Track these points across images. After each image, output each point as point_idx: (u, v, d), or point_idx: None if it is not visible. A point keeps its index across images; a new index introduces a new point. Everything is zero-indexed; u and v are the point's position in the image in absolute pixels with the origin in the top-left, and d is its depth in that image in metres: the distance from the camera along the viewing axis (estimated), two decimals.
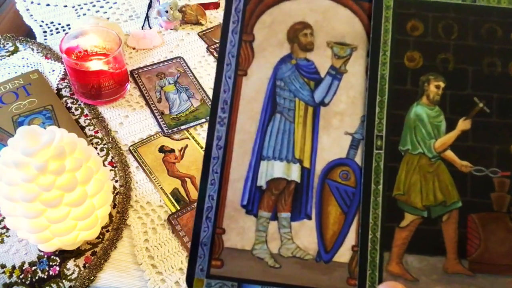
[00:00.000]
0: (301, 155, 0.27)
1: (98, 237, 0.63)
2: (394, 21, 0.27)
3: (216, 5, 1.02)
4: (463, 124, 0.28)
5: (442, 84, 0.28)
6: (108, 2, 1.02)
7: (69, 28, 0.95)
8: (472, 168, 0.28)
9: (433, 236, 0.27)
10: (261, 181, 0.27)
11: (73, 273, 0.60)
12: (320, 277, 0.26)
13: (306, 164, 0.27)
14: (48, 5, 1.00)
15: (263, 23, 0.27)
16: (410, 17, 0.28)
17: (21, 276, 0.59)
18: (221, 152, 0.26)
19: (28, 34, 0.94)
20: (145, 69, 0.87)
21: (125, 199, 0.67)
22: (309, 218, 0.27)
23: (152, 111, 0.80)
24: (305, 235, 0.26)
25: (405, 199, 0.27)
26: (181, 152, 0.74)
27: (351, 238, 0.27)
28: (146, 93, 0.83)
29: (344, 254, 0.26)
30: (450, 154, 0.29)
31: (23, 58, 0.88)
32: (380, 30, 0.27)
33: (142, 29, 0.96)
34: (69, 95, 0.81)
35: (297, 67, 0.27)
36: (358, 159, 0.27)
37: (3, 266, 0.60)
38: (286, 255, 0.26)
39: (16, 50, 0.89)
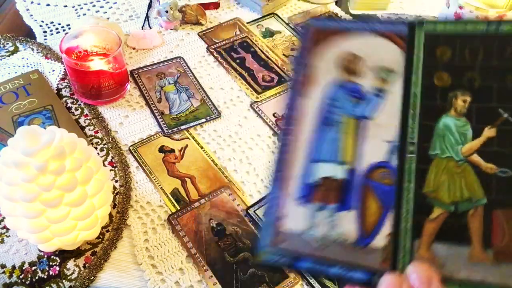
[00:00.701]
0: (347, 159, 0.33)
1: (98, 237, 0.63)
2: (425, 49, 0.32)
3: (216, 5, 1.02)
4: (489, 132, 0.31)
5: (468, 99, 0.32)
6: (108, 2, 1.02)
7: (69, 28, 0.95)
8: (497, 170, 0.31)
9: (459, 227, 0.31)
10: (314, 179, 0.33)
11: (73, 273, 0.60)
12: (358, 257, 0.31)
13: (351, 166, 0.33)
14: (48, 5, 1.00)
15: (321, 54, 0.34)
16: (439, 45, 0.33)
17: (21, 276, 0.59)
18: (284, 155, 0.33)
19: (28, 34, 0.94)
20: (145, 69, 0.87)
21: (125, 199, 0.67)
22: (352, 209, 0.32)
23: (152, 111, 0.80)
24: (347, 224, 0.32)
25: (434, 195, 0.31)
26: (181, 152, 0.74)
27: (387, 227, 0.31)
28: (146, 93, 0.83)
29: (380, 240, 0.31)
30: (476, 158, 0.31)
31: (23, 58, 0.88)
32: (413, 57, 0.32)
33: (142, 29, 0.96)
34: (69, 95, 0.81)
35: (346, 88, 0.34)
36: (395, 162, 0.32)
37: (3, 266, 0.60)
38: (331, 238, 0.32)
39: (16, 50, 0.89)
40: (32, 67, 0.85)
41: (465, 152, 0.31)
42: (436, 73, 0.32)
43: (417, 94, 0.32)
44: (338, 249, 0.31)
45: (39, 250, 0.61)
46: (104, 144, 0.75)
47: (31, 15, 0.98)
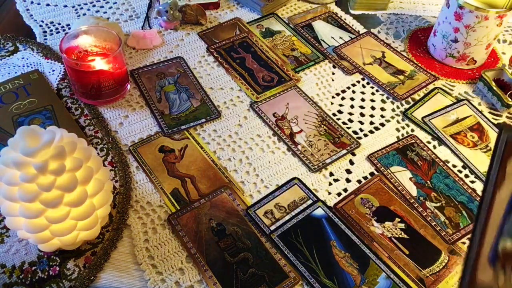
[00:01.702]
0: None
1: (98, 237, 0.63)
2: None
3: (216, 5, 1.02)
4: None
5: None
6: (108, 2, 1.03)
7: (69, 28, 0.95)
8: None
9: None
10: (501, 248, 0.47)
11: (73, 273, 0.60)
12: None
13: None
14: (48, 5, 1.00)
15: None
16: None
17: (21, 276, 0.59)
18: (482, 227, 0.48)
19: (28, 34, 0.94)
20: (145, 69, 0.87)
21: (125, 199, 0.68)
22: None
23: (152, 111, 0.80)
24: None
25: None
26: (181, 152, 0.74)
27: None
28: (146, 93, 0.83)
29: None
30: None
31: (23, 58, 0.88)
32: None
33: (142, 29, 0.96)
34: (69, 95, 0.81)
35: None
36: None
37: (3, 266, 0.60)
38: None
39: (16, 50, 0.89)
40: (32, 67, 0.85)
41: None
42: None
43: None
44: None
45: (39, 250, 0.61)
46: (104, 144, 0.75)
47: (31, 15, 0.98)
